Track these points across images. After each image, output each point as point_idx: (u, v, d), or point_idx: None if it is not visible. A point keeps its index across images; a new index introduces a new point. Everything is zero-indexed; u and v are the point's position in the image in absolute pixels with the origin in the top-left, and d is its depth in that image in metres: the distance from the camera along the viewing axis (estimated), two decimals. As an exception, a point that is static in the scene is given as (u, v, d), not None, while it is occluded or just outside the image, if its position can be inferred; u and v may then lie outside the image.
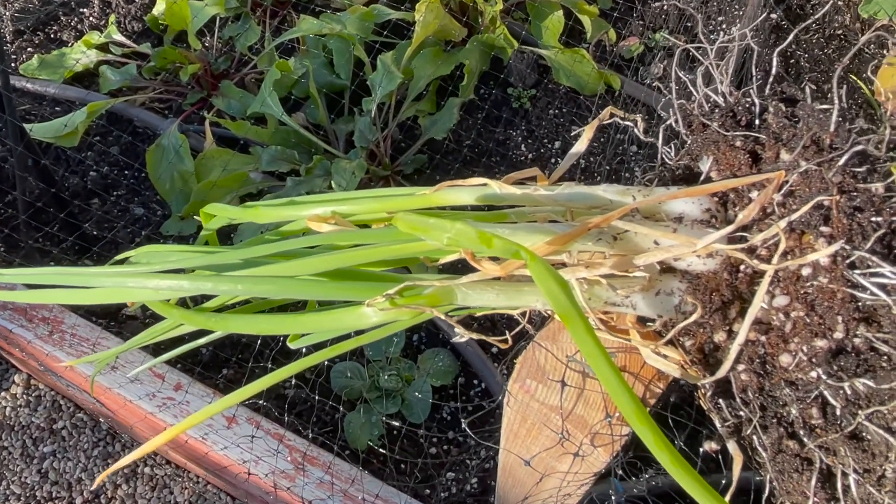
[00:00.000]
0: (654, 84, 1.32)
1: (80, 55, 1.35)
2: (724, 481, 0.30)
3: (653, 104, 1.27)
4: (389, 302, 0.31)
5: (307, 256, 0.34)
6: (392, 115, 1.24)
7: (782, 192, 0.30)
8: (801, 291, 0.29)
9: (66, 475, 1.30)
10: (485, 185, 0.37)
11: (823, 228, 0.29)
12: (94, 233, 1.17)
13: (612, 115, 0.38)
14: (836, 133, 0.31)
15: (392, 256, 0.35)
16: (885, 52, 1.40)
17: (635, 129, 0.40)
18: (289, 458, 0.85)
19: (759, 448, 0.30)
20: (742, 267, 0.30)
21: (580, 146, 0.39)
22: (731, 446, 0.30)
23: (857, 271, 0.28)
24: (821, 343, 0.28)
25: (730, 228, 0.29)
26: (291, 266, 0.34)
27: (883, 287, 0.28)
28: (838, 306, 0.28)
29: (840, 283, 0.28)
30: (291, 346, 0.40)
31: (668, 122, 0.39)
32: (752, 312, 0.28)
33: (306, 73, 1.22)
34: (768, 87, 0.37)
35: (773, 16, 1.37)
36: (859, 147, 0.30)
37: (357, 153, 1.19)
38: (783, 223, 0.29)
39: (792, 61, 1.40)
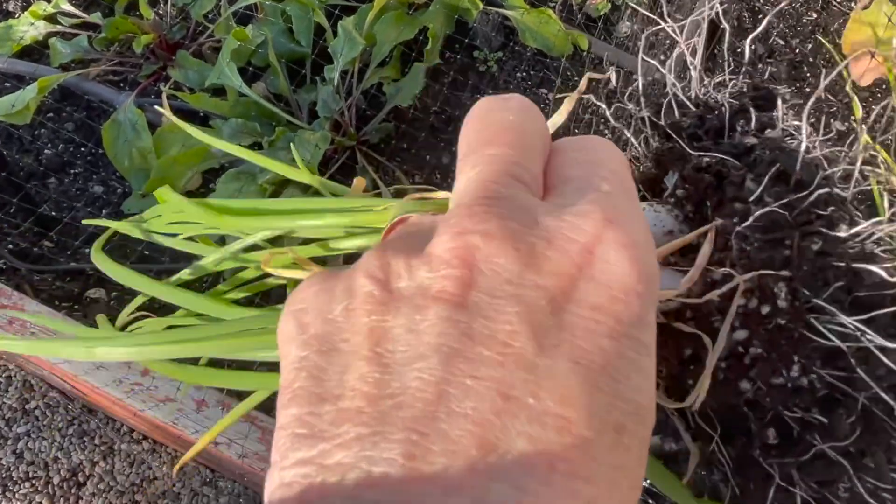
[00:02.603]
0: (623, 43, 1.30)
1: (28, 27, 1.30)
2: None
3: (623, 64, 1.26)
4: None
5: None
6: (356, 83, 1.21)
7: (745, 224, 0.30)
8: (761, 329, 0.29)
9: (42, 454, 1.30)
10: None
11: (783, 272, 0.29)
12: (53, 214, 1.14)
13: (590, 82, 0.36)
14: (802, 172, 0.30)
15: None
16: (853, 4, 1.38)
17: (607, 113, 0.39)
18: (259, 438, 0.85)
19: (723, 459, 0.30)
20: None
21: (558, 118, 0.37)
22: (690, 446, 0.30)
23: (815, 315, 0.28)
24: (777, 380, 0.28)
25: (677, 292, 0.29)
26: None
27: (840, 335, 0.28)
28: (795, 346, 0.28)
29: (798, 325, 0.28)
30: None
31: (637, 115, 0.38)
32: (717, 349, 0.28)
33: (265, 42, 1.18)
34: (741, 78, 0.35)
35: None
36: (824, 190, 0.30)
37: (321, 123, 1.16)
38: (738, 279, 0.29)
39: (760, 16, 1.38)
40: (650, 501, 0.41)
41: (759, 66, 1.29)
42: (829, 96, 1.27)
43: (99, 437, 1.26)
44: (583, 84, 0.34)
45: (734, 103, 0.32)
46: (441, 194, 0.33)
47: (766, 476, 0.28)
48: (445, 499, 0.17)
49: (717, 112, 0.33)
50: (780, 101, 0.31)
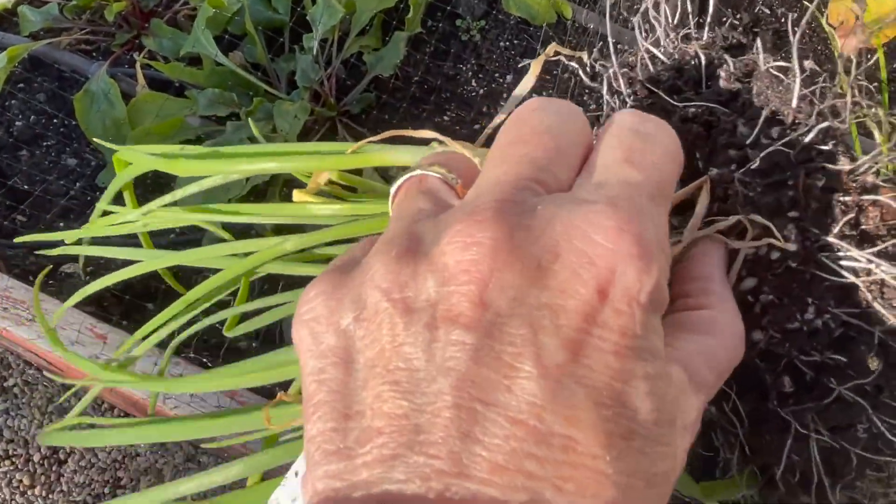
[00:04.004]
0: (606, 12, 1.28)
1: (-5, -6, 1.25)
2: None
3: (607, 33, 1.24)
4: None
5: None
6: (335, 52, 1.18)
7: (743, 170, 0.29)
8: (770, 275, 0.28)
9: (22, 432, 1.28)
10: (434, 139, 0.34)
11: (791, 213, 0.28)
12: (25, 187, 1.11)
13: (556, 53, 0.35)
14: (799, 108, 0.30)
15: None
16: (839, -27, 1.37)
17: (581, 75, 0.38)
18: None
19: (735, 419, 0.30)
20: None
21: (525, 86, 0.36)
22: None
23: (825, 254, 0.28)
24: (792, 325, 0.28)
25: (681, 246, 0.28)
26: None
27: (852, 270, 0.27)
28: (808, 288, 0.28)
29: (810, 265, 0.28)
30: (228, 334, 0.38)
31: (615, 81, 0.36)
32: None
33: (242, 9, 1.15)
34: (707, 30, 0.34)
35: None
36: (824, 124, 0.29)
37: (300, 94, 1.14)
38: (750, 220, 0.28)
39: (746, -15, 1.36)
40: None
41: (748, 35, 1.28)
42: (816, 66, 1.26)
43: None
44: (550, 50, 0.33)
45: (708, 53, 0.31)
46: (425, 133, 0.32)
47: (781, 429, 0.28)
48: None
49: (693, 62, 0.32)
50: (758, 41, 0.31)
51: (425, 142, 0.32)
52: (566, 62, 0.37)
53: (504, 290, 0.20)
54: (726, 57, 0.32)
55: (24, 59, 1.21)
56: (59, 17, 1.25)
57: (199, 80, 1.13)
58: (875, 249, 0.27)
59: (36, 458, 1.23)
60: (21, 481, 1.21)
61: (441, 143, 0.31)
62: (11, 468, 1.22)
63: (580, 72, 0.38)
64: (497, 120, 0.34)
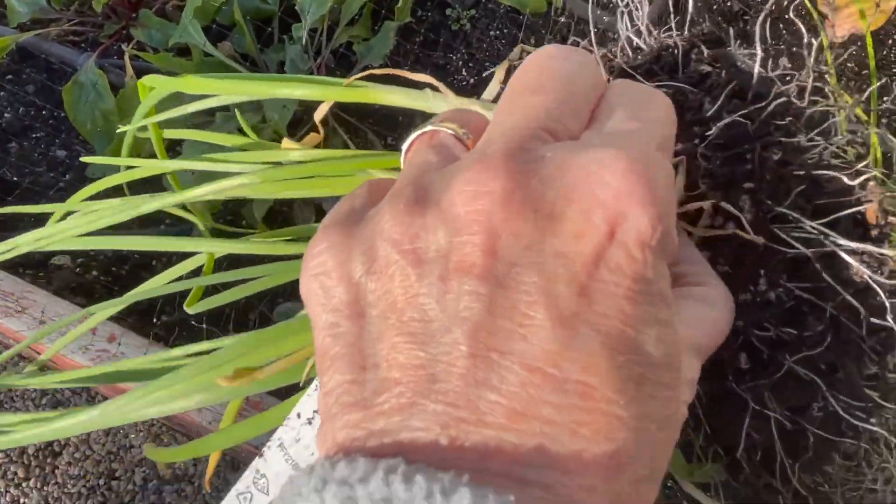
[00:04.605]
0: (596, 1, 1.28)
1: (-17, -15, 1.25)
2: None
3: (597, 22, 1.23)
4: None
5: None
6: (325, 42, 1.18)
7: (704, 144, 0.29)
8: (725, 247, 0.29)
9: (16, 425, 1.28)
10: (430, 85, 0.34)
11: (747, 184, 0.29)
12: (14, 179, 1.11)
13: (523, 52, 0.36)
14: (758, 86, 0.30)
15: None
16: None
17: None
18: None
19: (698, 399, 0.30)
20: None
21: (491, 91, 0.36)
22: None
23: (778, 226, 0.28)
24: (744, 296, 0.28)
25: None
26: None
27: (804, 240, 0.28)
28: (760, 260, 0.28)
29: (763, 236, 0.28)
30: (189, 311, 0.38)
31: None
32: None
33: (230, -1, 1.15)
34: (687, 26, 0.35)
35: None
36: (782, 99, 0.30)
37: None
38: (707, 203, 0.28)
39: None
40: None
41: (737, 23, 1.28)
42: (805, 53, 1.26)
43: (73, 405, 1.25)
44: (515, 53, 0.33)
45: (685, 45, 0.32)
46: (421, 77, 0.32)
47: (740, 408, 0.29)
48: (483, 463, 0.18)
49: (670, 51, 0.32)
50: (731, 31, 0.31)
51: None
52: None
53: (517, 239, 0.20)
54: (700, 45, 0.33)
55: (12, 50, 1.20)
56: (46, 7, 1.24)
57: (188, 71, 1.13)
58: (826, 220, 0.27)
59: (30, 450, 1.23)
60: (16, 473, 1.21)
61: (435, 88, 0.32)
62: (5, 460, 1.22)
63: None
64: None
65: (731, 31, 0.32)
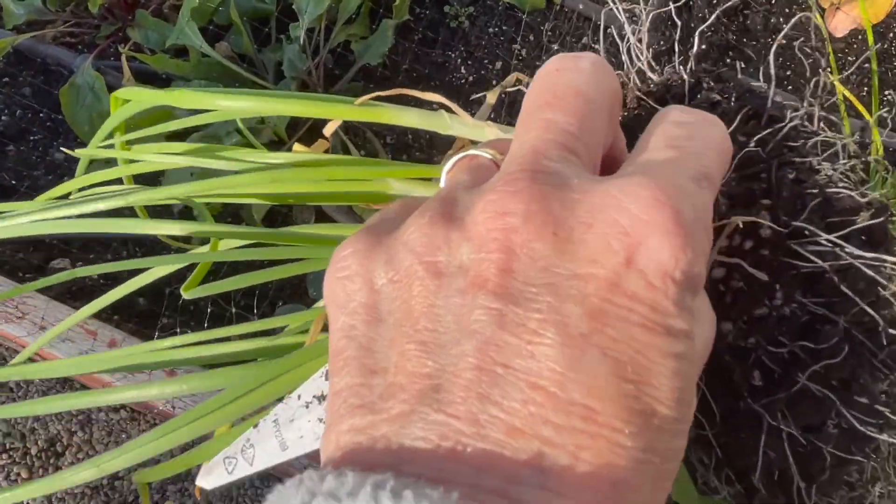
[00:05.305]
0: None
1: (-22, -13, 1.24)
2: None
3: (598, 19, 1.23)
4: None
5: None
6: (323, 42, 1.17)
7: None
8: (741, 263, 0.29)
9: (19, 426, 1.29)
10: (441, 104, 0.34)
11: (764, 201, 0.29)
12: (13, 182, 1.11)
13: (518, 81, 0.36)
14: (773, 110, 0.31)
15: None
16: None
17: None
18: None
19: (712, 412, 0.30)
20: None
21: (483, 114, 0.36)
22: None
23: (795, 241, 0.29)
24: (760, 311, 0.29)
25: None
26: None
27: (819, 254, 0.28)
28: (776, 274, 0.29)
29: (779, 251, 0.29)
30: (186, 295, 0.38)
31: None
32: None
33: (227, -1, 1.14)
34: (693, 62, 0.36)
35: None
36: (795, 122, 0.31)
37: (287, 84, 1.13)
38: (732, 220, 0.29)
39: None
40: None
41: (736, 18, 1.27)
42: (806, 48, 1.26)
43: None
44: (509, 80, 0.33)
45: (692, 81, 0.32)
46: (432, 96, 0.32)
47: (755, 425, 0.29)
48: (477, 478, 0.18)
49: (680, 81, 0.33)
50: (738, 65, 0.31)
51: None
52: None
53: (534, 260, 0.20)
54: (707, 77, 0.34)
55: (8, 52, 1.20)
56: (42, 9, 1.23)
57: (185, 72, 1.12)
58: (841, 233, 0.28)
59: (33, 451, 1.24)
60: (19, 474, 1.21)
61: (448, 108, 0.32)
62: (9, 461, 1.23)
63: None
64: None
65: (738, 63, 0.32)
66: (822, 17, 1.17)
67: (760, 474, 0.29)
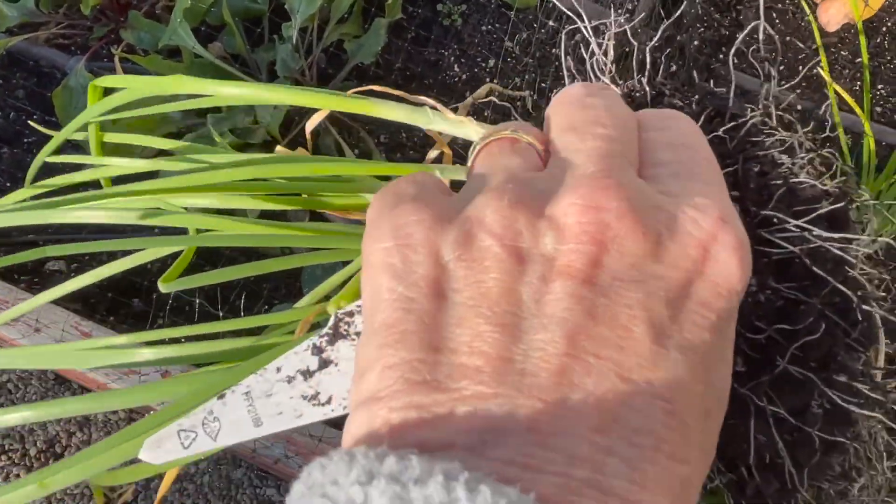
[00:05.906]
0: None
1: (-30, -11, 1.24)
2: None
3: (590, 15, 1.23)
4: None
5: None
6: (315, 41, 1.17)
7: None
8: None
9: (18, 427, 1.29)
10: (427, 105, 0.35)
11: (733, 192, 0.30)
12: (8, 185, 1.11)
13: (490, 93, 0.37)
14: (735, 108, 0.33)
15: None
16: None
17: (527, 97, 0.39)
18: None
19: None
20: None
21: (463, 112, 0.36)
22: None
23: (764, 230, 0.30)
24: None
25: None
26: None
27: (788, 240, 0.30)
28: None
29: (751, 241, 0.30)
30: (163, 288, 0.37)
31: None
32: None
33: (219, 0, 1.14)
34: (647, 75, 0.37)
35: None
36: (757, 119, 0.33)
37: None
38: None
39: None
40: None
41: (730, 13, 1.27)
42: (798, 43, 1.26)
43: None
44: (481, 91, 0.34)
45: (653, 92, 0.34)
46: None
47: (744, 410, 0.30)
48: (568, 467, 0.18)
49: (640, 93, 0.34)
50: (731, 60, 0.33)
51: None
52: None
53: (623, 256, 0.21)
54: (669, 85, 0.35)
55: (1, 55, 1.20)
56: (35, 11, 1.23)
57: (178, 73, 1.12)
58: (808, 218, 0.29)
59: (32, 452, 1.24)
60: (18, 476, 1.22)
61: (435, 109, 0.32)
62: (8, 463, 1.23)
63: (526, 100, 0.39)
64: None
65: (731, 59, 0.34)
66: (814, 11, 1.18)
67: (753, 460, 0.30)
